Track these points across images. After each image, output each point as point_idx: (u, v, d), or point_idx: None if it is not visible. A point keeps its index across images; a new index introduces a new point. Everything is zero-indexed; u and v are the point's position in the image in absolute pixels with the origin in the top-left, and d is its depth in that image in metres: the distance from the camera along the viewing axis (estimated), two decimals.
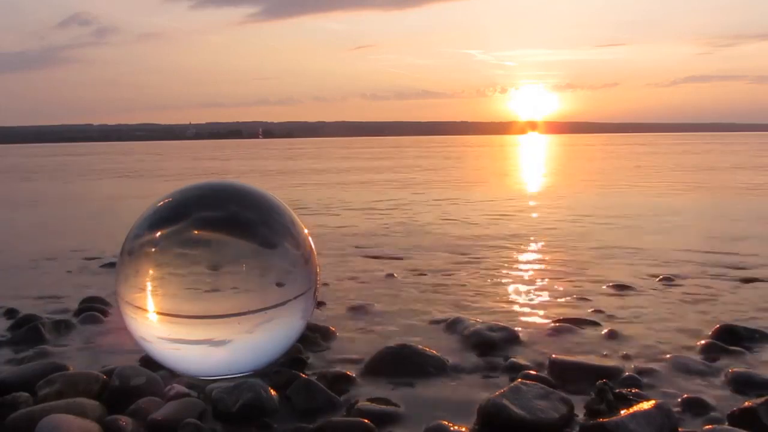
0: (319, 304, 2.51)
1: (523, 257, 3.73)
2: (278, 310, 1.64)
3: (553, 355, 1.91)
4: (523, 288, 2.93)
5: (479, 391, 1.70)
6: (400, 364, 1.82)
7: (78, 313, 2.48)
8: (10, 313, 2.51)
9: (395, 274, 3.18)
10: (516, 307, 2.58)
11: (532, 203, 6.98)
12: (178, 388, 1.68)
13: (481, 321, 2.23)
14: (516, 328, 2.18)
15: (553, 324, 2.27)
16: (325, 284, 2.94)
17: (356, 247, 4.09)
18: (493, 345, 2.03)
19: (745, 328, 2.14)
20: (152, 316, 1.62)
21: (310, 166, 15.94)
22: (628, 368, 1.83)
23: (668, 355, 1.93)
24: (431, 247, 4.08)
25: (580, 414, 1.55)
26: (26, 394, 1.62)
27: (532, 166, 15.50)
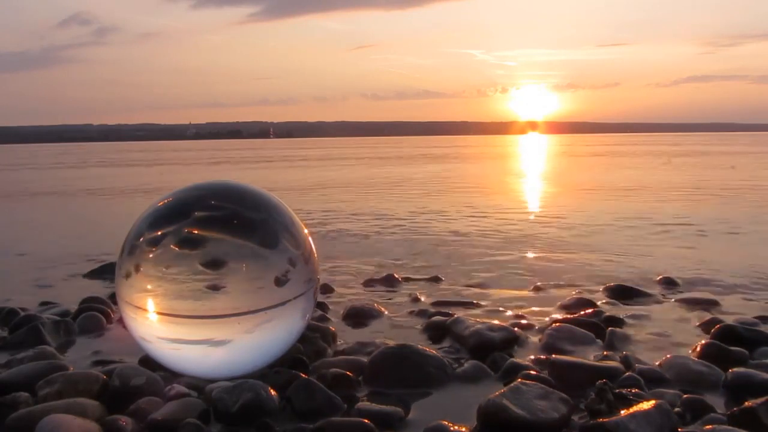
0: (320, 305, 2.50)
1: (523, 257, 3.73)
2: (278, 310, 1.64)
3: (553, 355, 1.91)
4: (523, 288, 2.93)
5: (479, 391, 1.70)
6: (401, 364, 1.82)
7: (78, 313, 2.48)
8: (10, 313, 2.50)
9: (395, 274, 3.18)
10: (516, 307, 2.58)
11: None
12: (178, 388, 1.68)
13: (481, 321, 2.23)
14: (516, 328, 2.18)
15: (553, 324, 2.26)
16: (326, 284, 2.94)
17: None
18: (493, 345, 2.03)
19: (746, 329, 2.14)
20: (152, 316, 1.62)
21: None
22: (628, 368, 1.83)
23: (668, 356, 1.93)
24: (430, 247, 4.08)
25: (580, 414, 1.55)
26: (26, 394, 1.62)
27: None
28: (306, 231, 1.80)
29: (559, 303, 2.62)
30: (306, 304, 1.74)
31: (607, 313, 2.42)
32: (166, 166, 14.90)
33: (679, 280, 3.01)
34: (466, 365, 1.89)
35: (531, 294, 2.82)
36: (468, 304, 2.62)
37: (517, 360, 1.91)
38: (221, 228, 1.65)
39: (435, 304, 2.64)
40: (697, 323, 2.34)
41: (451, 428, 1.46)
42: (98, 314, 2.43)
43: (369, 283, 3.06)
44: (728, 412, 1.53)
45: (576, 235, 4.54)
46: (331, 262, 3.49)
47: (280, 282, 1.64)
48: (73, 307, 2.59)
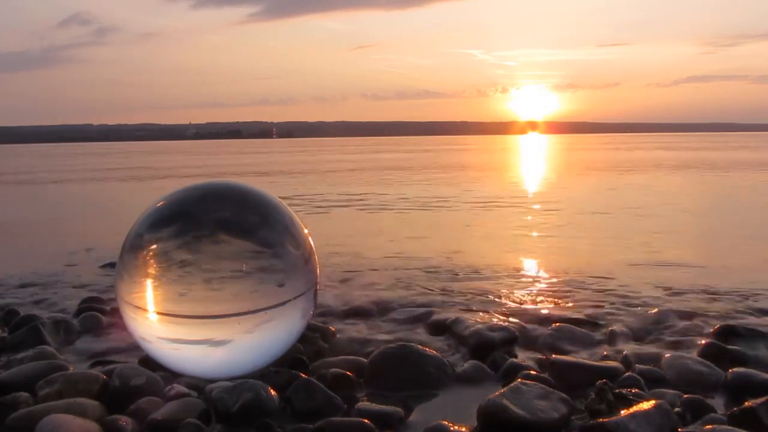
0: (319, 305, 2.50)
1: (523, 257, 3.72)
2: (278, 310, 1.64)
3: (553, 355, 1.91)
4: (523, 288, 2.93)
5: (479, 391, 1.70)
6: (401, 364, 1.82)
7: (78, 313, 2.48)
8: (10, 313, 2.50)
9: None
10: (516, 307, 2.58)
11: None
12: (178, 388, 1.68)
13: (481, 321, 2.23)
14: (516, 328, 2.18)
15: (553, 324, 2.27)
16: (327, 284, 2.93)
17: None
18: (493, 345, 2.03)
19: (745, 328, 2.14)
20: (152, 316, 1.61)
21: None
22: (628, 368, 1.83)
23: (668, 355, 1.93)
24: (430, 245, 4.08)
25: (580, 414, 1.55)
26: (26, 394, 1.62)
27: None
28: (306, 231, 1.80)
29: (560, 303, 2.62)
30: (306, 304, 1.73)
31: (607, 313, 2.42)
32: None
33: (678, 281, 3.01)
34: (466, 365, 1.89)
35: (531, 294, 2.82)
36: (468, 303, 2.62)
37: (517, 360, 1.91)
38: (221, 228, 1.65)
39: (435, 302, 2.63)
40: (697, 323, 2.33)
41: (451, 428, 1.46)
42: (98, 314, 2.43)
43: (370, 281, 3.05)
44: (728, 412, 1.53)
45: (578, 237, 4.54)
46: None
47: (280, 282, 1.64)
48: (74, 306, 2.59)
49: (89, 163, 20.51)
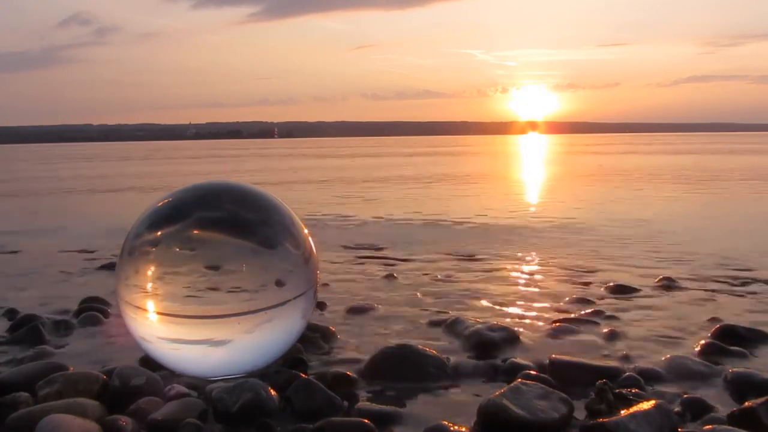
0: (319, 304, 2.50)
1: (523, 257, 3.72)
2: (278, 310, 1.64)
3: (553, 355, 1.91)
4: (523, 288, 2.93)
5: (479, 391, 1.70)
6: (401, 364, 1.82)
7: (78, 313, 2.48)
8: (10, 313, 2.50)
9: (395, 275, 3.18)
10: (516, 307, 2.58)
11: None
12: (178, 388, 1.68)
13: (481, 321, 2.23)
14: (516, 328, 2.18)
15: (553, 324, 2.27)
16: (325, 284, 2.93)
17: None
18: (493, 345, 2.03)
19: (745, 328, 2.14)
20: (152, 316, 1.62)
21: None
22: (628, 368, 1.82)
23: (668, 355, 1.93)
24: (431, 245, 4.08)
25: (580, 414, 1.55)
26: (26, 394, 1.62)
27: None
28: (306, 231, 1.80)
29: (560, 303, 2.62)
30: (306, 304, 1.74)
31: (607, 313, 2.42)
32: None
33: (678, 279, 3.01)
34: (465, 365, 1.89)
35: (531, 293, 2.82)
36: (468, 303, 2.62)
37: (517, 360, 1.91)
38: (221, 228, 1.65)
39: (435, 302, 2.63)
40: (697, 323, 2.34)
41: (451, 428, 1.46)
42: (98, 314, 2.43)
43: (369, 281, 3.06)
44: (728, 412, 1.53)
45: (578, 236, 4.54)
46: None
47: (280, 282, 1.65)
48: (74, 306, 2.59)
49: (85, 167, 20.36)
